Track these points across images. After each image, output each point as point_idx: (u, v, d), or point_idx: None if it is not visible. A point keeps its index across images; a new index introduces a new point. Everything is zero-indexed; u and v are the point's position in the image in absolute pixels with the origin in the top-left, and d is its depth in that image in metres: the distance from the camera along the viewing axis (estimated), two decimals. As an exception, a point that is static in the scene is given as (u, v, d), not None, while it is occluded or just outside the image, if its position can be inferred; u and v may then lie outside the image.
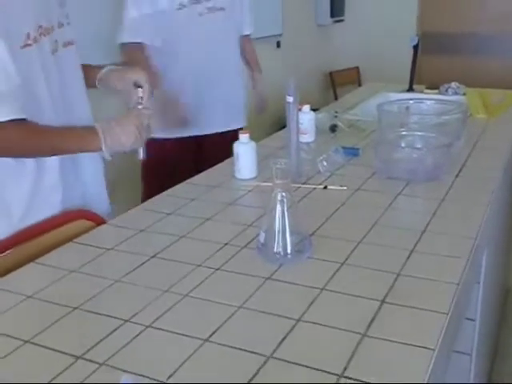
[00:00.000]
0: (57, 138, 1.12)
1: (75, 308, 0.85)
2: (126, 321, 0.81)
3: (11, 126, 1.03)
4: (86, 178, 1.26)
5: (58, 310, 0.85)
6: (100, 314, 0.83)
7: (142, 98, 1.22)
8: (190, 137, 2.00)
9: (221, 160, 1.52)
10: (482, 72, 3.50)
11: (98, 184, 1.31)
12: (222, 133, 2.02)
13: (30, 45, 1.04)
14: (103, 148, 1.11)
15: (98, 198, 1.30)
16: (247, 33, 2.19)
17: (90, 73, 1.26)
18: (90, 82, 1.26)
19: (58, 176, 1.16)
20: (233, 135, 1.49)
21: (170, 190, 1.33)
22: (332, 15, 4.13)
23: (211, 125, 2.03)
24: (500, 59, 3.80)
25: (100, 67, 1.29)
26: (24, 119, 1.05)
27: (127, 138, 1.13)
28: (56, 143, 1.11)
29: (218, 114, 2.03)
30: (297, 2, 3.79)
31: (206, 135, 2.03)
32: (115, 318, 0.82)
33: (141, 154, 1.21)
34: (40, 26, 1.07)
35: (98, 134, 1.11)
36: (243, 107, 2.15)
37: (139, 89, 1.23)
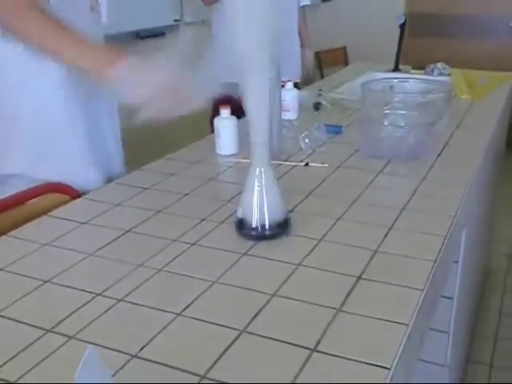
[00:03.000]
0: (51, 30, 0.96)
1: (46, 281, 0.83)
2: (97, 294, 0.79)
3: None
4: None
5: (28, 282, 0.83)
6: (71, 288, 0.81)
7: None
8: None
9: None
10: (468, 54, 3.49)
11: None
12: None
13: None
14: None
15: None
16: (303, 3, 2.31)
17: None
18: None
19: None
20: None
21: (148, 165, 1.31)
22: (321, -6, 4.08)
23: None
24: (486, 41, 3.80)
25: None
26: None
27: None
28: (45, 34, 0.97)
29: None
30: (285, -21, 3.73)
31: None
32: (87, 291, 0.80)
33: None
34: None
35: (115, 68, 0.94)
36: (298, 62, 2.24)
37: None
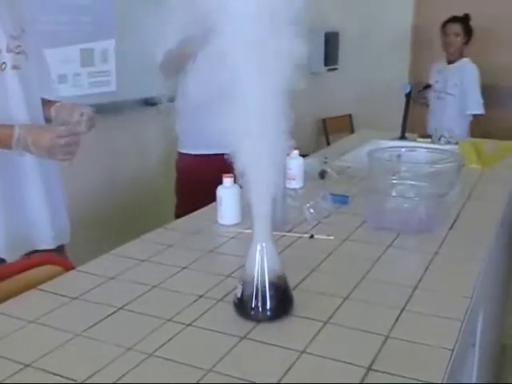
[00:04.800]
0: None
1: (27, 365, 0.76)
2: (80, 383, 0.72)
3: None
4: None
5: (9, 366, 0.76)
6: (54, 374, 0.74)
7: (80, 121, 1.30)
8: (216, 154, 2.04)
9: None
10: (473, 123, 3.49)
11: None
12: None
13: None
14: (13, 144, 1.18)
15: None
16: None
17: (48, 105, 1.38)
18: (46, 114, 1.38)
19: None
20: None
21: (147, 235, 1.26)
22: (326, 64, 4.17)
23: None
24: (492, 109, 3.82)
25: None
26: None
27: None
28: None
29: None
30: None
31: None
32: (69, 378, 0.73)
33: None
34: None
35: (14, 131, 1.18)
36: None
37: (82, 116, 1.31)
